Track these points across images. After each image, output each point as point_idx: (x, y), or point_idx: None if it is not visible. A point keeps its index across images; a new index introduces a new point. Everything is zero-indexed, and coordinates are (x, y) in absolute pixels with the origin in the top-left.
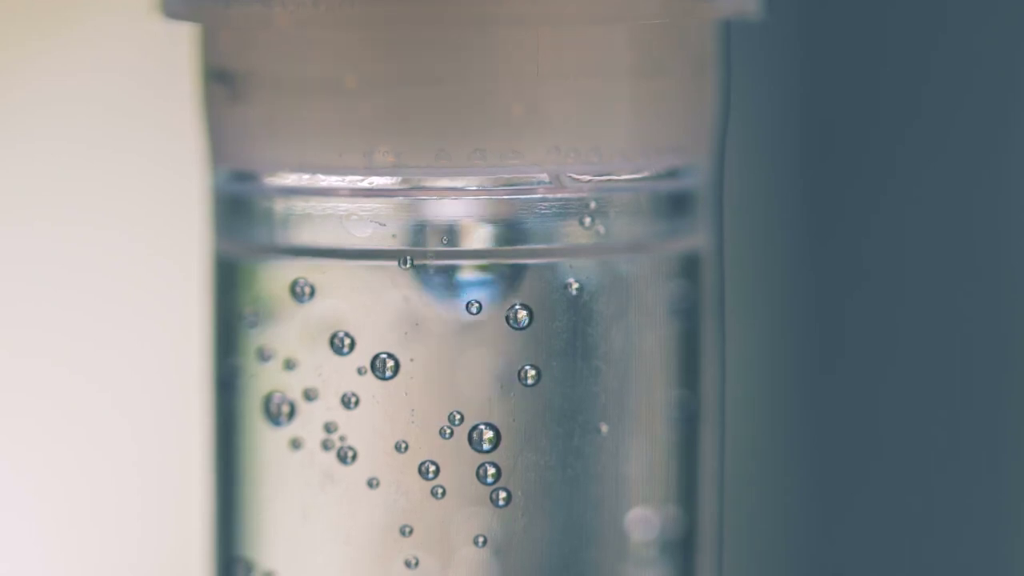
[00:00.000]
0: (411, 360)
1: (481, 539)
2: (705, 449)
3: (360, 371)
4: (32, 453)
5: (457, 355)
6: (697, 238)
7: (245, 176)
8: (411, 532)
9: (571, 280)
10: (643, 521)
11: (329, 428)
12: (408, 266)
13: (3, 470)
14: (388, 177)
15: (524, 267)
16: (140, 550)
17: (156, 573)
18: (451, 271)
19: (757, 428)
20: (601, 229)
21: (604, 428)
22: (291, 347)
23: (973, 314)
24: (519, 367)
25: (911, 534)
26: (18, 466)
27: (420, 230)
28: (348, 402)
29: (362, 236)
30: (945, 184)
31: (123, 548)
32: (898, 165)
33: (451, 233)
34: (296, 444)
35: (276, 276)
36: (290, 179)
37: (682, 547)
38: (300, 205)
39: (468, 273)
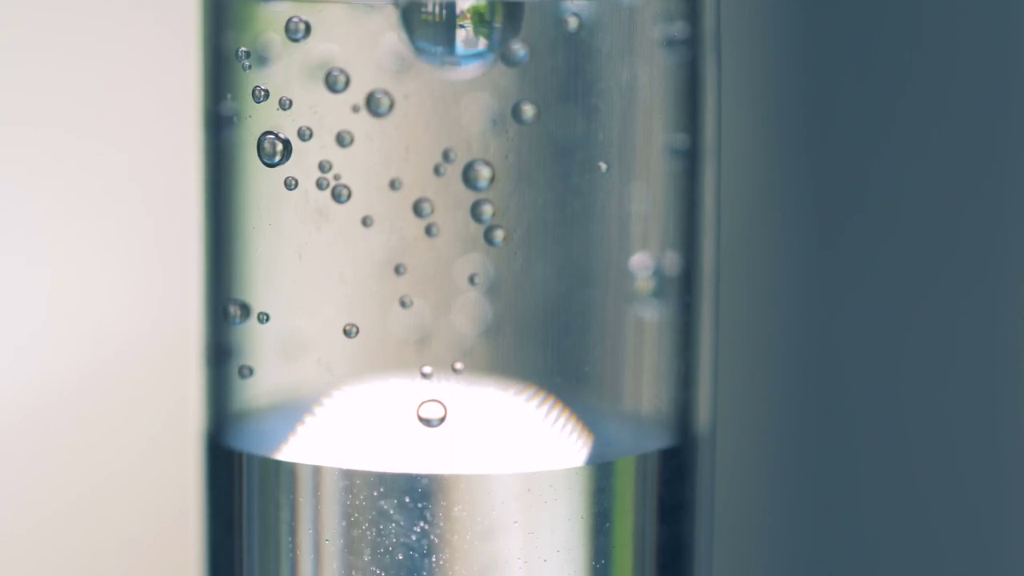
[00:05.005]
0: (406, 97)
1: (476, 278)
2: (705, 188)
3: (355, 108)
4: (33, 199)
5: (452, 92)
6: None
7: None
8: (405, 271)
9: (569, 16)
10: (642, 261)
11: (323, 167)
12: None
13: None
14: None
15: (521, 3)
16: (131, 296)
17: (149, 320)
18: (447, 6)
19: (757, 174)
20: None
21: (603, 166)
22: (286, 86)
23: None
24: (515, 104)
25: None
26: (19, 213)
27: None
28: (343, 140)
29: None
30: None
31: (114, 295)
32: None
33: None
34: (290, 183)
35: (270, 13)
36: None
37: (681, 287)
38: None
39: (465, 8)
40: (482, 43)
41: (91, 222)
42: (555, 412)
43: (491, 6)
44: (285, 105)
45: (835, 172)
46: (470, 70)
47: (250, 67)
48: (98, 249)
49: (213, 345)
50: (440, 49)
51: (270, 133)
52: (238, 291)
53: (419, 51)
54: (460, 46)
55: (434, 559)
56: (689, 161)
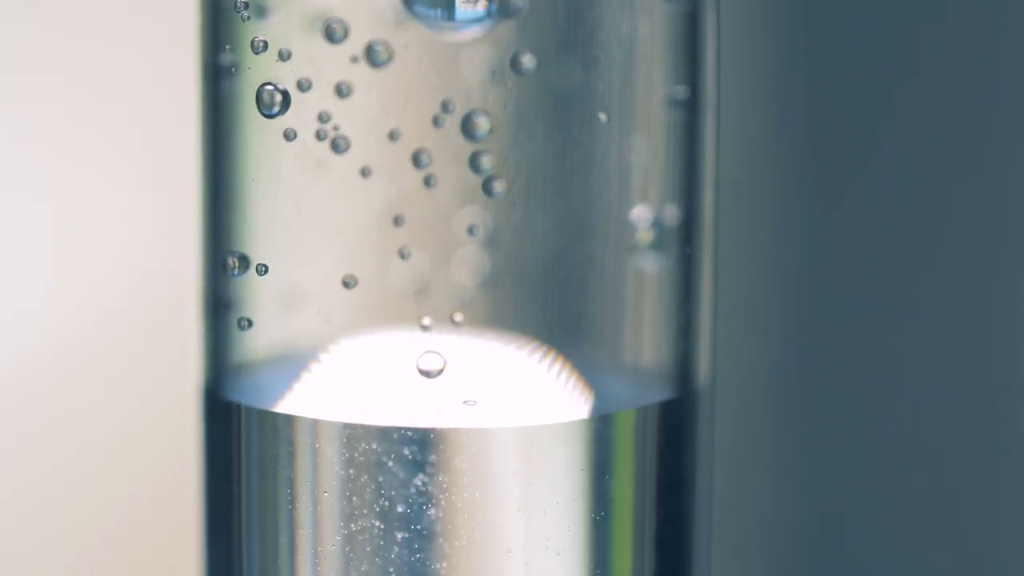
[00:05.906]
0: (404, 48)
1: (475, 229)
2: (705, 140)
3: (353, 59)
4: (33, 152)
5: (452, 43)
6: None
7: None
8: (404, 222)
9: None
10: (642, 212)
11: (322, 118)
12: None
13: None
14: None
15: None
16: (130, 249)
17: (148, 274)
18: None
19: (754, 128)
20: None
21: (602, 117)
22: (284, 37)
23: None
24: (514, 55)
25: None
26: (19, 166)
27: None
28: (341, 91)
29: None
30: None
31: (113, 248)
32: None
33: None
34: (289, 135)
35: None
36: None
37: (680, 238)
38: None
39: None
40: (481, 5)
41: (91, 175)
42: (554, 364)
43: None
44: (284, 56)
45: (835, 123)
46: (469, 14)
47: (249, 18)
48: (97, 202)
49: (212, 297)
50: (438, 12)
51: (269, 84)
52: (237, 243)
53: (415, 14)
54: (458, 9)
55: (433, 511)
56: (689, 112)
